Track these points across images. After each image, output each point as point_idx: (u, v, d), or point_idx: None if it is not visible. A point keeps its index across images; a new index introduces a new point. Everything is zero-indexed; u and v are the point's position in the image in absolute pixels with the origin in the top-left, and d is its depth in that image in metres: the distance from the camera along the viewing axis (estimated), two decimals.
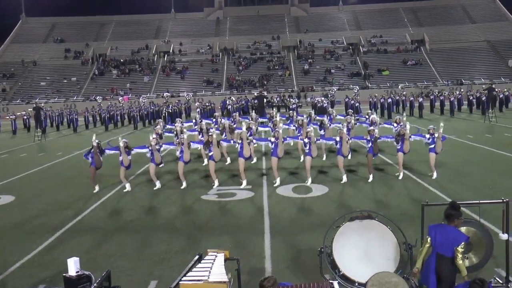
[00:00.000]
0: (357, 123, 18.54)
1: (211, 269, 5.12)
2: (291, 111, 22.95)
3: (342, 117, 20.04)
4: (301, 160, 17.01)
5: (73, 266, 5.31)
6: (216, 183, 13.65)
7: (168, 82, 63.38)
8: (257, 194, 12.64)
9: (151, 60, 68.47)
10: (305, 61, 65.77)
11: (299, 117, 18.29)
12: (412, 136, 13.91)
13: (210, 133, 14.13)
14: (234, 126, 17.71)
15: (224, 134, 16.91)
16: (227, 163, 16.93)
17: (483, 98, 32.66)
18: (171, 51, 70.71)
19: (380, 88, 54.70)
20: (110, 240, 9.43)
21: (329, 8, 79.10)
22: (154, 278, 7.46)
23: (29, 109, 37.73)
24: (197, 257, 5.59)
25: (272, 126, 17.71)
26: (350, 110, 21.63)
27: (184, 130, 16.35)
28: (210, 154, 13.67)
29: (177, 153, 14.13)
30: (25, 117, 37.10)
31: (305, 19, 76.38)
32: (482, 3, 75.86)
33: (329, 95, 43.35)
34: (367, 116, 18.92)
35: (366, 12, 77.07)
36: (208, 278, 4.92)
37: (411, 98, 35.35)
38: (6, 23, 73.91)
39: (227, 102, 37.28)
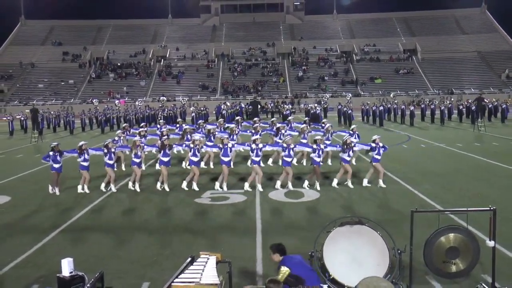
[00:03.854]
0: (312, 131, 17.89)
1: (203, 271, 5.15)
2: (273, 119, 22.80)
3: (299, 125, 19.40)
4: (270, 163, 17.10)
5: (66, 267, 5.38)
6: (184, 185, 13.78)
7: (164, 86, 63.85)
8: (249, 198, 12.68)
9: (147, 64, 68.80)
10: (299, 68, 66.48)
11: (278, 124, 18.26)
12: (357, 145, 13.90)
13: (166, 137, 14.61)
14: (217, 130, 17.90)
15: (209, 139, 16.91)
16: (211, 167, 16.96)
17: (473, 108, 32.96)
18: (167, 55, 71.20)
19: (372, 96, 55.51)
20: (103, 242, 9.43)
21: (324, 17, 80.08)
22: (146, 280, 7.46)
23: (26, 111, 37.89)
24: (189, 259, 5.60)
25: (254, 131, 17.50)
26: (306, 118, 21.52)
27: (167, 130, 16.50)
28: (191, 158, 13.83)
29: (159, 155, 14.11)
30: (22, 118, 37.17)
31: (300, 27, 77.22)
32: (473, 14, 77.04)
33: (322, 102, 43.69)
34: (323, 125, 18.66)
35: (359, 21, 77.85)
36: (200, 280, 4.94)
37: (403, 106, 35.72)
38: (5, 25, 74.54)
39: (222, 107, 37.40)
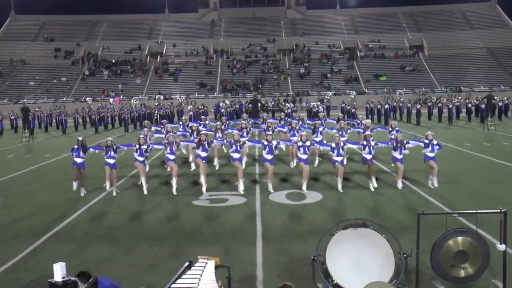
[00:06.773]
0: (350, 128, 18.30)
1: (201, 276, 5.10)
2: (282, 113, 23.43)
3: (333, 121, 20.40)
4: (293, 165, 16.74)
5: (59, 272, 4.90)
6: (205, 188, 13.66)
7: (160, 84, 63.28)
8: (249, 200, 12.63)
9: (143, 61, 68.23)
10: (300, 64, 65.63)
11: (290, 120, 18.28)
12: (410, 142, 13.76)
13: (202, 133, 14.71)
14: (223, 127, 18.07)
15: (217, 135, 17.14)
16: (216, 168, 16.99)
17: (482, 106, 32.59)
18: (164, 52, 70.67)
19: (377, 94, 54.80)
20: (97, 245, 9.40)
21: (326, 11, 79.28)
22: (142, 285, 7.46)
23: (17, 109, 37.53)
24: (187, 263, 5.53)
25: (265, 128, 17.75)
26: (340, 114, 22.26)
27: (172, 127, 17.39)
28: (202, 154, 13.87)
29: (167, 152, 14.12)
30: (12, 117, 36.70)
31: (302, 22, 76.47)
32: (482, 9, 76.28)
33: (325, 100, 43.42)
34: (358, 121, 19.00)
35: (363, 16, 77.20)
36: (198, 285, 4.91)
37: (409, 105, 35.18)
38: None
39: (221, 105, 37.03)
